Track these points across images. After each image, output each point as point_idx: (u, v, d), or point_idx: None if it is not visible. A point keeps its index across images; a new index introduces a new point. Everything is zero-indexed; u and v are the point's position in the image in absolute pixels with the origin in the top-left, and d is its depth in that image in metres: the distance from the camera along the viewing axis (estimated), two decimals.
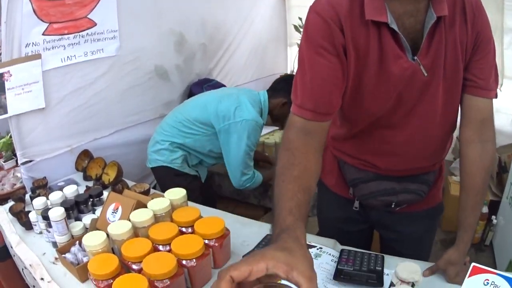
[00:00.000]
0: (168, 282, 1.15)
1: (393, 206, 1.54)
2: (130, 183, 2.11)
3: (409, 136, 1.38)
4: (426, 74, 1.22)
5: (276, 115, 2.55)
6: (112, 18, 2.53)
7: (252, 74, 4.35)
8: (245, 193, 3.16)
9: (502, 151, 3.63)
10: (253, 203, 3.17)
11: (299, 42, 4.48)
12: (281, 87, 2.55)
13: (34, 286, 1.65)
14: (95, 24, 2.45)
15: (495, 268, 1.00)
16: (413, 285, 1.17)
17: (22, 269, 1.74)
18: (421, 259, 1.45)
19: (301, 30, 4.23)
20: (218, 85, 3.53)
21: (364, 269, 1.37)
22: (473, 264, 0.99)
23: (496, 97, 1.33)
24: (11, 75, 2.14)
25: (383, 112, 1.32)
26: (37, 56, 2.23)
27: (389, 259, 1.41)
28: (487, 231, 3.26)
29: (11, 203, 1.98)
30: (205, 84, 3.42)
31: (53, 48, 2.28)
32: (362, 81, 1.24)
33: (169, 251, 1.26)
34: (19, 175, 2.45)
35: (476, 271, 0.99)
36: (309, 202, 0.98)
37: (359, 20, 1.16)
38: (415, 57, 1.20)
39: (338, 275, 1.33)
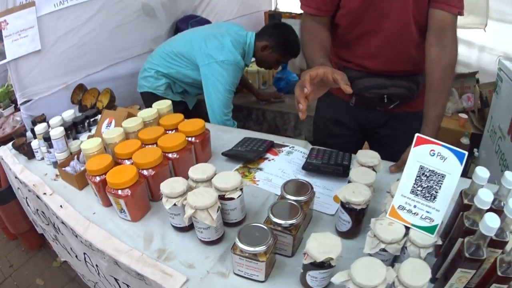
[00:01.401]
0: (153, 172, 1.32)
1: (385, 100, 1.81)
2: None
3: (386, 39, 1.68)
4: None
5: (258, 58, 2.72)
6: None
7: (236, 11, 4.48)
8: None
9: (484, 87, 3.85)
10: (237, 127, 3.30)
11: None
12: (266, 31, 2.73)
13: (37, 210, 1.83)
14: None
15: None
16: (374, 170, 1.31)
17: (26, 198, 1.90)
18: None
19: None
20: (203, 20, 3.67)
21: (332, 163, 1.58)
22: (417, 134, 1.06)
23: (458, 14, 1.60)
24: (7, 23, 2.27)
25: (359, 12, 1.63)
26: (32, 4, 2.36)
27: None
28: (469, 163, 3.46)
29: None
30: (191, 20, 3.56)
31: None
32: None
33: None
34: (18, 118, 2.62)
35: (420, 142, 1.07)
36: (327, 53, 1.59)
37: None
38: None
39: (307, 166, 1.53)
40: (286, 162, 1.67)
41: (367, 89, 1.81)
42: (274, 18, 4.59)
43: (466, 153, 1.04)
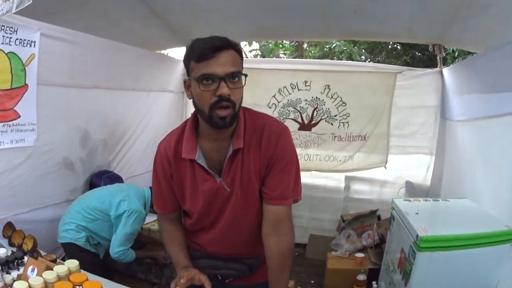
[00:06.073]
0: None
1: (220, 277, 2.21)
2: (43, 253, 2.74)
3: (221, 232, 2.09)
4: (228, 189, 1.95)
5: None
6: (32, 112, 3.19)
7: (147, 166, 5.04)
8: (134, 270, 3.95)
9: (382, 224, 4.56)
10: (141, 277, 3.98)
11: None
12: None
13: None
14: (19, 116, 3.07)
15: None
16: None
17: None
18: None
19: None
20: (114, 176, 4.36)
21: None
22: None
23: (295, 201, 1.98)
24: None
25: (200, 214, 2.07)
26: None
27: None
28: None
29: None
30: (104, 175, 4.21)
31: None
32: (183, 195, 2.05)
33: None
34: None
35: None
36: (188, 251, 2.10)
37: (180, 156, 1.95)
38: (220, 178, 1.93)
39: None
40: None
41: (203, 268, 2.13)
42: None
43: None
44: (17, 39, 2.95)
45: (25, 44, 3.02)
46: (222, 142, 1.92)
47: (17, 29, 2.93)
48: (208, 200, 2.00)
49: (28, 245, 2.84)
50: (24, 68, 3.07)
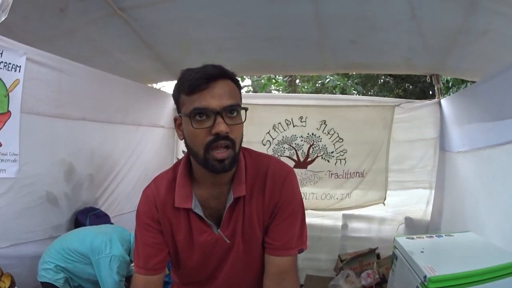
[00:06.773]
0: None
1: None
2: None
3: (220, 286, 1.90)
4: (228, 242, 1.77)
5: None
6: (14, 142, 3.03)
7: (136, 204, 4.67)
8: None
9: (383, 263, 4.40)
10: None
11: None
12: None
13: None
14: (1, 145, 2.92)
15: None
16: None
17: None
18: None
19: None
20: (101, 214, 4.15)
21: None
22: None
23: (300, 251, 1.80)
24: None
25: (194, 269, 1.88)
26: None
27: None
28: None
29: None
30: (90, 213, 3.98)
31: None
32: (177, 248, 1.83)
33: None
34: None
35: None
36: None
37: (172, 205, 1.75)
38: (219, 230, 1.76)
39: None
40: None
41: None
42: None
43: None
44: (1, 62, 2.83)
45: (9, 68, 2.90)
46: (220, 187, 1.76)
47: (2, 51, 2.82)
48: (204, 254, 1.83)
49: (5, 283, 2.77)
50: (8, 94, 2.93)
